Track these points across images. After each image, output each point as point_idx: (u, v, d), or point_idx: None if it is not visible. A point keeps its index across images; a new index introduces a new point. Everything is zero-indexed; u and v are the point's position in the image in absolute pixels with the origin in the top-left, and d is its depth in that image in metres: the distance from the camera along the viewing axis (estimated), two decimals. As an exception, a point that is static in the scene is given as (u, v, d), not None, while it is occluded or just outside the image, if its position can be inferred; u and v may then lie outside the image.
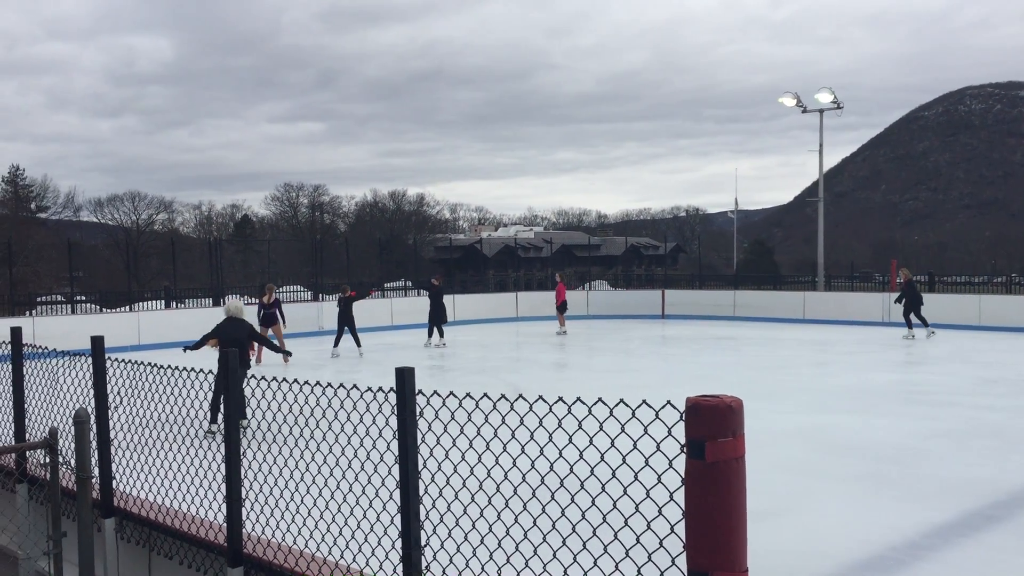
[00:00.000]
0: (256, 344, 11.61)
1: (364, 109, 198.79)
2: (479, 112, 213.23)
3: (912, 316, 22.80)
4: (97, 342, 5.78)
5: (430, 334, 22.32)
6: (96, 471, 5.47)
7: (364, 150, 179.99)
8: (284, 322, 19.90)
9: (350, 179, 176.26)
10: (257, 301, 21.25)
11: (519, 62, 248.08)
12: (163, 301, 29.88)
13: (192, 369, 5.05)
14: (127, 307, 28.83)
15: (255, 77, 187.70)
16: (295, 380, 4.32)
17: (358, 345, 20.54)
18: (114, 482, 5.72)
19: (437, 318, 22.10)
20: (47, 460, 5.17)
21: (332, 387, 4.08)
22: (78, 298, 28.87)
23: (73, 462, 5.24)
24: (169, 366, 5.37)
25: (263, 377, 4.57)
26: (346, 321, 20.63)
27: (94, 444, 5.43)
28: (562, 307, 25.84)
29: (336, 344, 20.75)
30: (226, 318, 11.97)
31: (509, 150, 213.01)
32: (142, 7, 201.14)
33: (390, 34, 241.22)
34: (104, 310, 28.50)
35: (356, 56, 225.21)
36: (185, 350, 11.72)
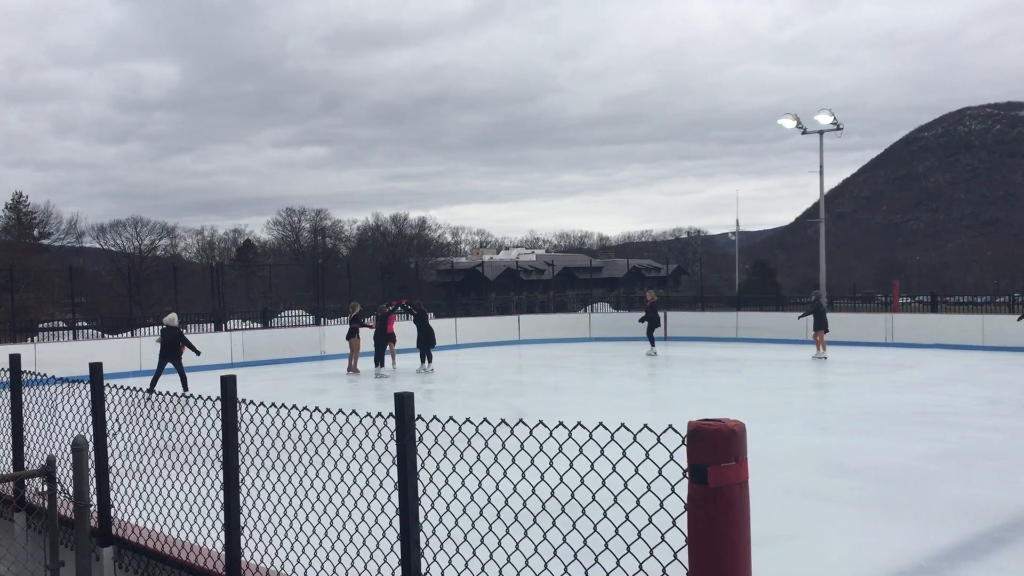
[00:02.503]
0: (184, 345, 18.14)
1: (369, 133, 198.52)
2: (484, 135, 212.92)
3: (653, 334, 25.85)
4: (96, 369, 5.75)
5: (376, 362, 22.36)
6: (94, 499, 5.42)
7: (369, 174, 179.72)
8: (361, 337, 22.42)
9: (355, 203, 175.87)
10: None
11: (525, 85, 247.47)
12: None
13: (191, 395, 5.02)
14: (128, 333, 28.82)
15: (260, 102, 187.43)
16: (294, 405, 4.29)
17: (393, 364, 22.41)
18: (112, 510, 5.67)
19: (382, 344, 22.36)
20: (45, 488, 5.13)
21: (331, 412, 4.04)
22: (80, 324, 28.83)
23: (71, 490, 5.19)
24: (168, 392, 5.33)
25: (261, 403, 4.53)
26: (382, 339, 22.14)
27: (92, 472, 5.39)
28: (390, 337, 22.76)
29: (377, 363, 22.14)
30: (165, 327, 18.31)
31: (514, 173, 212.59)
32: (149, 34, 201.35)
33: (395, 58, 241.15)
34: (106, 336, 28.46)
35: (361, 80, 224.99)
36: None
